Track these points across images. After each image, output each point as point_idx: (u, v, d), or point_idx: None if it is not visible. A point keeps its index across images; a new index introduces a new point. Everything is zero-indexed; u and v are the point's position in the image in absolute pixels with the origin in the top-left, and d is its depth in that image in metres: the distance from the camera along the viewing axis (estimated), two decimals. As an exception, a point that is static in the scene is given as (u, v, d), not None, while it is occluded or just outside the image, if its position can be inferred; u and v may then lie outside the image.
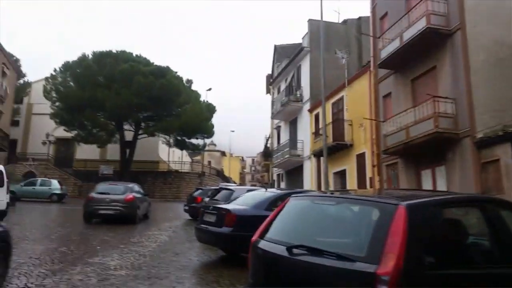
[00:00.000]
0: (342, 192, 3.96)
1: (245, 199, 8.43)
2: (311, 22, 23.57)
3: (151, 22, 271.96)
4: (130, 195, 14.51)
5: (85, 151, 40.42)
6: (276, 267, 3.11)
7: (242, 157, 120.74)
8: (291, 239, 3.13)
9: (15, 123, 42.19)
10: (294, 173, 24.53)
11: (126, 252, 8.62)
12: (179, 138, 39.77)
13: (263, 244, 3.36)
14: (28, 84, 41.93)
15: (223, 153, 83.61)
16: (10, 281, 5.78)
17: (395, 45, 13.92)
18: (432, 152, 12.85)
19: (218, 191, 12.48)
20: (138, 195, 15.52)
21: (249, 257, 3.58)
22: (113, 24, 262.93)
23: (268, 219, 3.70)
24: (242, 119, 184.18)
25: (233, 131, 65.02)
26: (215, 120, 51.26)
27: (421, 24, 12.68)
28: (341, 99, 18.99)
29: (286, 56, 26.61)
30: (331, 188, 17.70)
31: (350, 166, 17.79)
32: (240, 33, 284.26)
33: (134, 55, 36.87)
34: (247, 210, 7.47)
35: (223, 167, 72.17)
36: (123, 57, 35.49)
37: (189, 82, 38.63)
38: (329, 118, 19.51)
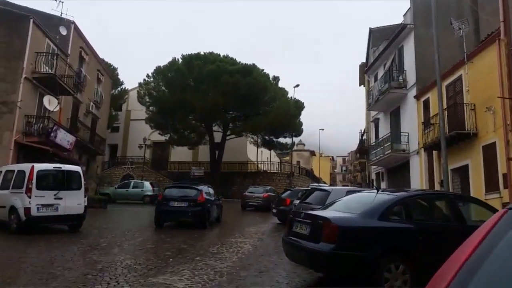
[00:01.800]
0: None
1: (347, 204, 6.22)
2: (414, -5, 20.31)
3: (234, 22, 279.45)
4: (266, 194, 22.95)
5: (179, 154, 41.37)
6: None
7: (332, 157, 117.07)
8: None
9: (115, 129, 44.82)
10: (397, 171, 21.27)
11: (200, 268, 6.97)
12: (266, 137, 38.54)
13: None
14: (125, 92, 44.05)
15: (313, 153, 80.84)
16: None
17: (540, -2, 10.48)
18: None
19: (310, 192, 10.34)
20: (272, 193, 23.46)
21: None
22: (202, 28, 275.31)
23: (463, 256, 1.50)
24: (332, 117, 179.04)
25: (322, 129, 61.77)
26: (304, 119, 48.86)
27: None
28: (459, 79, 15.50)
29: (384, 39, 23.45)
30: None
31: (474, 161, 14.29)
32: (326, 24, 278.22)
33: (221, 55, 36.34)
34: (354, 220, 5.27)
35: (312, 168, 69.56)
36: (211, 58, 35.16)
37: (276, 79, 37.07)
38: (444, 104, 16.19)
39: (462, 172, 15.22)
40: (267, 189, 24.32)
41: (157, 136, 40.53)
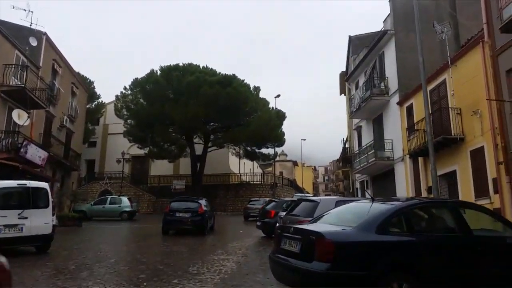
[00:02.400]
0: None
1: (340, 216, 5.63)
2: (393, 1, 20.21)
3: (212, 35, 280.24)
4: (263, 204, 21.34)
5: (159, 167, 40.37)
6: None
7: (314, 167, 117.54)
8: None
9: (92, 144, 43.52)
10: (382, 179, 20.90)
11: (177, 293, 6.23)
12: (249, 148, 38.00)
13: None
14: (102, 105, 42.81)
15: (295, 163, 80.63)
16: None
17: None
18: None
19: (296, 203, 9.71)
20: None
21: None
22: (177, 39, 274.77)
23: None
24: (312, 128, 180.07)
25: (304, 139, 61.59)
26: (285, 129, 48.52)
27: None
28: (443, 83, 15.28)
29: (365, 46, 23.32)
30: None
31: (461, 166, 13.98)
32: (305, 34, 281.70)
33: (201, 67, 35.76)
34: (350, 234, 4.65)
35: (295, 178, 69.18)
36: (190, 69, 34.55)
37: (257, 89, 36.63)
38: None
39: (450, 178, 14.91)
40: (266, 201, 26.92)
41: (136, 150, 39.49)
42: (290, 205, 12.44)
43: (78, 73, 35.45)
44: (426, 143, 15.23)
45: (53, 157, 23.37)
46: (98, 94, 42.67)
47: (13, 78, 19.05)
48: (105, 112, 43.61)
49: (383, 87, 20.14)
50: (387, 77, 20.22)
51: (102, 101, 43.22)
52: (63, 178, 26.70)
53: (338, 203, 8.07)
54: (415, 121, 16.81)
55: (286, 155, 79.10)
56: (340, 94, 33.84)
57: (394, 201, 5.53)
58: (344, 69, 30.68)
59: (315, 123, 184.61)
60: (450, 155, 14.55)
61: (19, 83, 18.91)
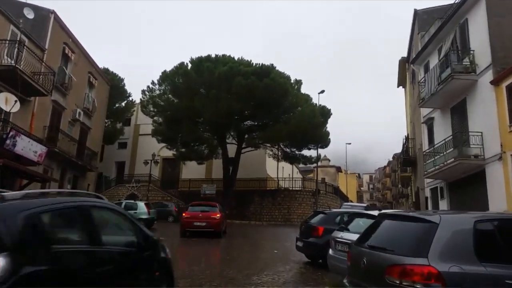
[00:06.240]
0: None
1: None
2: None
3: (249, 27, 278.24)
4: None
5: (191, 171, 37.22)
6: None
7: (359, 174, 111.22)
8: None
9: (122, 145, 41.37)
10: (465, 185, 15.71)
11: None
12: (288, 150, 33.58)
13: None
14: (132, 104, 40.13)
15: (339, 169, 75.03)
16: None
17: None
18: None
19: (375, 223, 5.18)
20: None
21: None
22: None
23: None
24: (357, 131, 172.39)
25: (349, 143, 56.39)
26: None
27: None
28: None
29: (437, 18, 18.44)
30: None
31: None
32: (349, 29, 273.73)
33: (235, 58, 31.83)
34: None
35: (339, 185, 63.82)
36: (223, 60, 30.74)
37: (298, 83, 32.30)
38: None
39: None
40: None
41: (167, 152, 36.49)
42: (350, 222, 8.04)
43: (107, 70, 32.84)
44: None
45: (61, 155, 20.23)
46: (128, 92, 40.15)
47: (6, 57, 15.95)
48: (136, 112, 41.00)
49: (468, 64, 15.18)
50: (473, 51, 15.26)
51: (132, 99, 40.62)
52: (75, 180, 23.59)
53: (479, 224, 3.62)
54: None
55: (329, 160, 73.91)
56: (398, 86, 28.76)
57: None
58: (404, 54, 25.63)
59: (360, 127, 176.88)
60: None
61: (11, 62, 15.74)
